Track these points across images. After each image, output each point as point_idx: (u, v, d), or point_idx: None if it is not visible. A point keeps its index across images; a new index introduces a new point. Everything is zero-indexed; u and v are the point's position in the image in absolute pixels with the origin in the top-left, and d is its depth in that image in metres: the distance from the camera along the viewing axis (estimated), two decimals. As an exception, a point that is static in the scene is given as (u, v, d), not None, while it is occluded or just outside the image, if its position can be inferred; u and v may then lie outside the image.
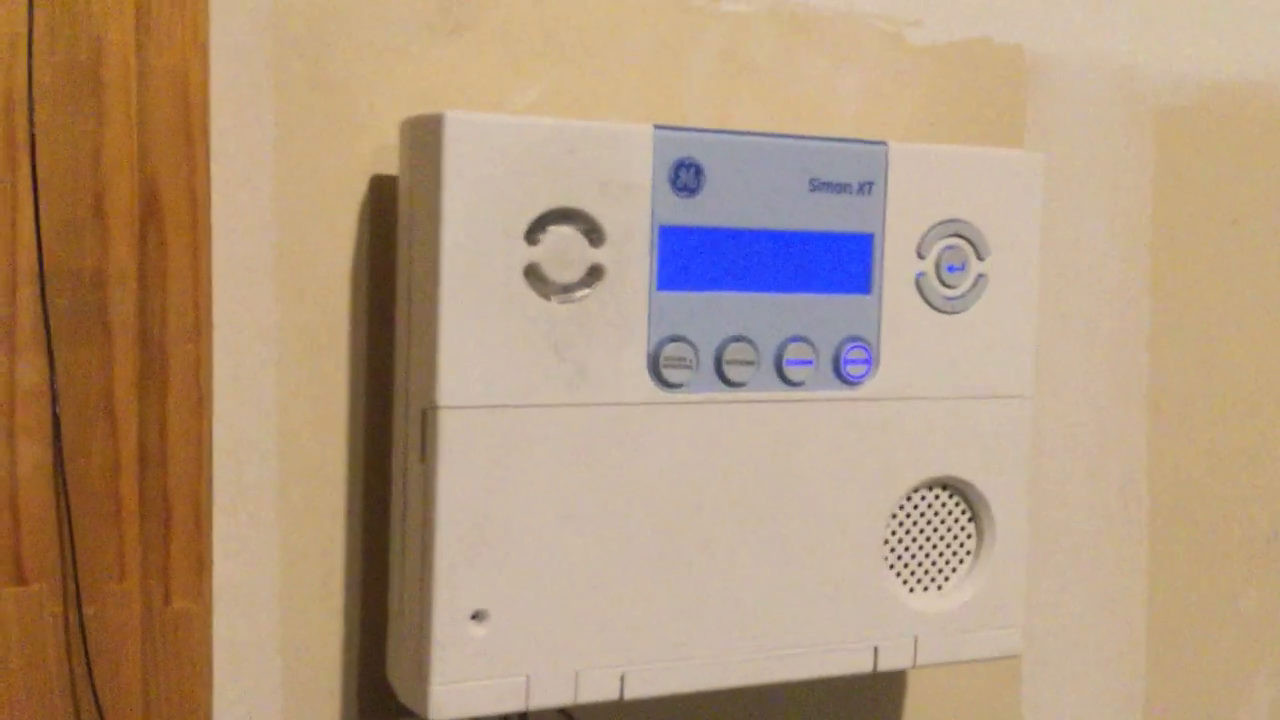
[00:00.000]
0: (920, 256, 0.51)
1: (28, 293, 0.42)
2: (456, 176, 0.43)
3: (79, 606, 0.44)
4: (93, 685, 0.44)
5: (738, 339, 0.48)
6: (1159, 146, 0.65)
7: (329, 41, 0.48)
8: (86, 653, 0.44)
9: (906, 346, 0.51)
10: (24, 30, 0.41)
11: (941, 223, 0.51)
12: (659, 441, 0.47)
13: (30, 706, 0.43)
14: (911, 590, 0.53)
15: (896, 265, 0.51)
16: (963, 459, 0.53)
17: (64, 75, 0.42)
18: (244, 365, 0.48)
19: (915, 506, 0.53)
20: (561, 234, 0.45)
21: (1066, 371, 0.64)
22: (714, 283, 0.47)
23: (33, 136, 0.42)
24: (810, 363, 0.49)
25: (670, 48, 0.54)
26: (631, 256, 0.46)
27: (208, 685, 0.46)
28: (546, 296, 0.45)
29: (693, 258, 0.47)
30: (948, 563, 0.54)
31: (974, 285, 0.52)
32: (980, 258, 0.52)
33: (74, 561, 0.44)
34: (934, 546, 0.54)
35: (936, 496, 0.53)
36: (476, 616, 0.45)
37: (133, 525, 0.45)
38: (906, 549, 0.53)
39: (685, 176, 0.46)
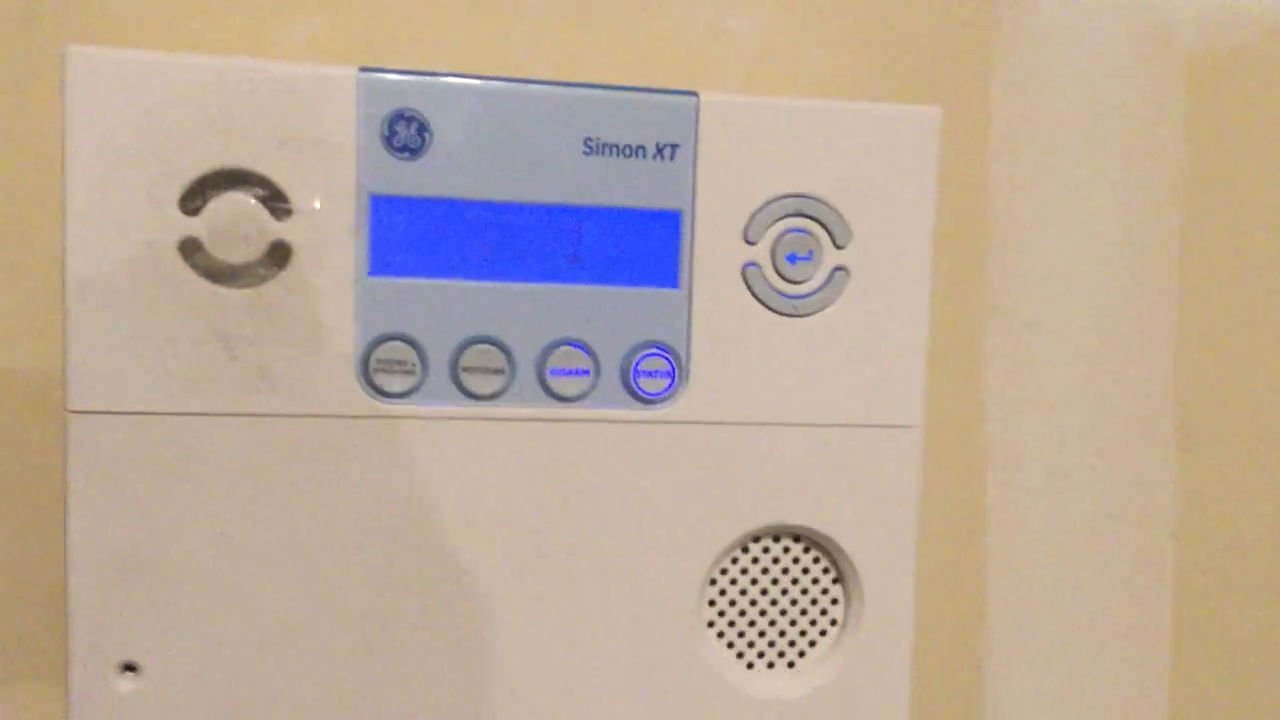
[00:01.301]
0: (749, 242, 0.40)
1: None
2: (82, 129, 0.35)
3: None
4: None
5: (480, 340, 0.38)
6: (1188, 95, 0.51)
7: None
8: None
9: (729, 356, 0.40)
10: None
11: (777, 199, 0.40)
12: (373, 463, 0.37)
13: None
14: (751, 666, 0.42)
15: (714, 252, 0.39)
16: (815, 505, 0.41)
17: None
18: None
19: (755, 560, 0.41)
20: (231, 202, 0.36)
21: (1070, 388, 0.50)
22: (448, 269, 0.38)
23: None
24: (585, 373, 0.39)
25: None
26: (329, 233, 0.37)
27: None
28: (214, 280, 0.36)
29: (419, 236, 0.37)
30: (803, 633, 0.42)
31: (829, 280, 0.40)
32: (838, 245, 0.40)
33: None
34: (783, 613, 0.42)
35: (786, 550, 0.42)
36: (128, 668, 0.37)
37: None
38: (743, 614, 0.41)
39: (405, 133, 0.37)
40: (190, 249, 0.36)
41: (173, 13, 0.42)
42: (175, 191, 0.36)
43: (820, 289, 0.40)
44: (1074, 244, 0.50)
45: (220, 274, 0.36)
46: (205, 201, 0.36)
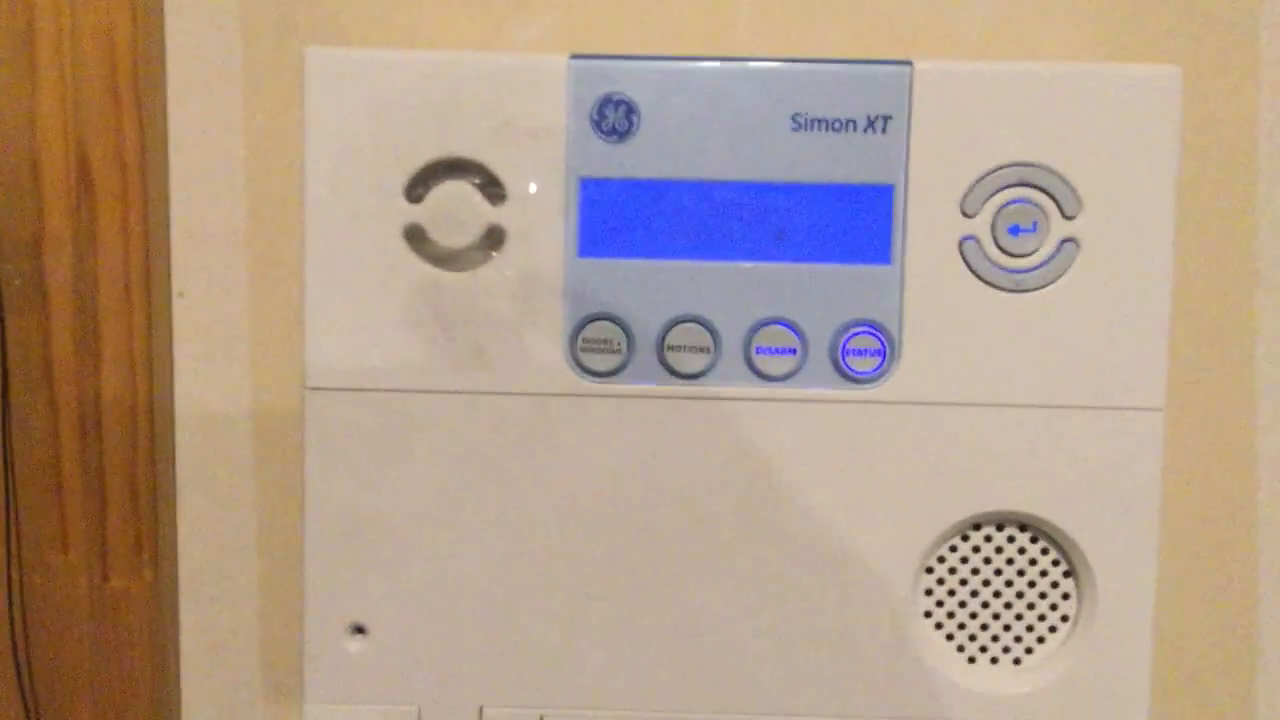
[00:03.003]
0: (967, 215, 0.38)
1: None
2: (319, 123, 0.38)
3: (21, 573, 0.44)
4: (23, 649, 0.44)
5: (686, 319, 0.38)
6: None
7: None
8: (25, 620, 0.44)
9: (945, 334, 0.38)
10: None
11: (998, 169, 0.38)
12: (580, 439, 0.38)
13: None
14: (972, 660, 0.40)
15: (928, 226, 0.38)
16: (1040, 492, 0.39)
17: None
18: (215, 337, 0.46)
19: (977, 549, 0.40)
20: (450, 189, 0.38)
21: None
22: (656, 249, 0.38)
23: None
24: (792, 352, 0.38)
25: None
26: (541, 216, 0.38)
27: (150, 669, 0.45)
28: (435, 264, 0.38)
29: (625, 217, 0.38)
30: (1030, 628, 0.40)
31: (1056, 253, 0.38)
32: (1067, 216, 0.38)
33: (18, 530, 0.44)
34: (1008, 606, 0.40)
35: (1011, 539, 0.40)
36: (357, 630, 0.39)
37: (74, 497, 0.44)
38: (963, 605, 0.40)
39: (613, 116, 0.38)
40: (414, 235, 0.38)
41: (413, 15, 0.45)
42: (401, 181, 0.38)
43: (1046, 262, 0.38)
44: (1358, 213, 0.45)
45: (441, 258, 0.38)
46: (428, 190, 0.38)
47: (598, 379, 0.38)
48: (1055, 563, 0.40)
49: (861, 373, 0.38)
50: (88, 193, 0.43)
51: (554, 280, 0.38)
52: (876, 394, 0.38)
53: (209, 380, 0.46)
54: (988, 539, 0.39)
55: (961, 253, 0.38)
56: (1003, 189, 0.38)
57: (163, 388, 0.44)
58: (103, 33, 0.42)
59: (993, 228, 0.38)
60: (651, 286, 0.38)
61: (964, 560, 0.39)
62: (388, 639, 0.39)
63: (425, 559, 0.39)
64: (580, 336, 0.38)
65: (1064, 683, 0.39)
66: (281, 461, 0.46)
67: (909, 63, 0.38)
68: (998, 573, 0.40)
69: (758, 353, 0.38)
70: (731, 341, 0.38)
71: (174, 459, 0.46)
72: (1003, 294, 0.38)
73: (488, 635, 0.39)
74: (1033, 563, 0.40)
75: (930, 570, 0.39)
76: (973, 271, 0.38)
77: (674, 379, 0.38)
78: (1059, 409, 0.38)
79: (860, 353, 0.38)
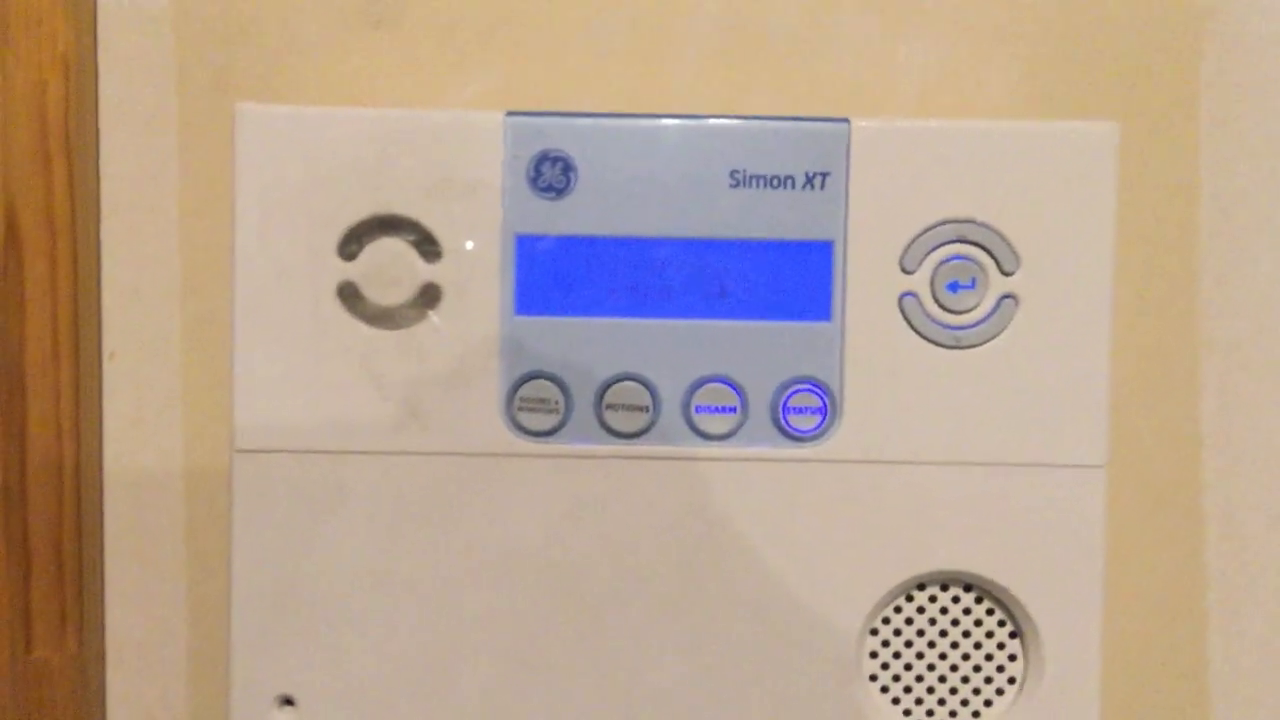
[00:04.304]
0: (906, 271, 0.38)
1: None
2: (250, 180, 0.37)
3: (-61, 646, 0.42)
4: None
5: (625, 378, 0.38)
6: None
7: (236, 46, 0.44)
8: (-57, 696, 0.42)
9: (885, 391, 0.38)
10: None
11: (936, 225, 0.38)
12: (517, 501, 0.37)
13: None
14: (920, 725, 0.39)
15: (868, 283, 0.38)
16: (983, 551, 0.38)
17: (-77, 99, 0.41)
18: (146, 399, 0.45)
19: (921, 610, 0.39)
20: (384, 247, 0.37)
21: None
22: (594, 306, 0.38)
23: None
24: (732, 410, 0.38)
25: (652, 24, 0.45)
26: (477, 274, 0.37)
27: (73, 745, 0.43)
28: (368, 322, 0.37)
29: (563, 274, 0.37)
30: (977, 691, 0.39)
31: (995, 310, 0.38)
32: (1005, 272, 0.38)
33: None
34: (954, 669, 0.39)
35: (955, 600, 0.39)
36: (286, 702, 0.38)
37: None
38: (909, 667, 0.39)
39: (550, 173, 0.37)
40: (347, 293, 0.37)
41: (352, 73, 0.44)
42: (334, 238, 0.37)
43: (986, 319, 0.38)
44: (1295, 269, 0.46)
45: (374, 316, 0.37)
46: (361, 247, 0.37)
47: (535, 439, 0.37)
48: (1001, 624, 0.39)
49: (802, 431, 0.38)
50: (15, 252, 0.42)
51: (490, 338, 0.37)
52: (818, 452, 0.38)
53: (139, 443, 0.44)
54: (932, 599, 0.39)
55: (901, 309, 0.38)
56: (941, 245, 0.38)
57: (90, 451, 0.43)
58: (34, 90, 0.42)
59: (932, 284, 0.38)
60: (589, 344, 0.37)
61: (909, 622, 0.39)
62: (318, 711, 0.37)
63: (357, 626, 0.37)
64: (517, 395, 0.37)
65: (1013, 746, 0.38)
66: (214, 528, 0.45)
67: (846, 120, 0.38)
68: (943, 634, 0.39)
69: (697, 411, 0.38)
70: (671, 400, 0.38)
71: (102, 525, 0.44)
72: (943, 350, 0.38)
73: (422, 706, 0.38)
74: (978, 624, 0.39)
75: (875, 632, 0.39)
76: (913, 328, 0.38)
77: (613, 438, 0.38)
78: (1000, 466, 0.38)
79: (801, 410, 0.38)
